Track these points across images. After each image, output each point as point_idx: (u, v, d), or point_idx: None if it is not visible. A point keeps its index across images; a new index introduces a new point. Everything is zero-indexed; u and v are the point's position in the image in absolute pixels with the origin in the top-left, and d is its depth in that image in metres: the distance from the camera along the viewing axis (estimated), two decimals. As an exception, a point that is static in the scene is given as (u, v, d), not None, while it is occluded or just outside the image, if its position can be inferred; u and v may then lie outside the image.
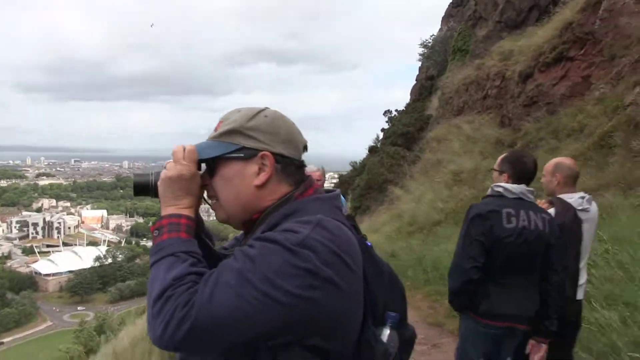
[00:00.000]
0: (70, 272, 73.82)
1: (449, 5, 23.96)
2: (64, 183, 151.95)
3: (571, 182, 3.22)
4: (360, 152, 25.32)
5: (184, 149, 1.21)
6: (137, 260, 75.99)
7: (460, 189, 10.46)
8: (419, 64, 25.80)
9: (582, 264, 3.20)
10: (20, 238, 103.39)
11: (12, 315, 57.96)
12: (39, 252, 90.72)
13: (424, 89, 23.14)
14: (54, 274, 75.39)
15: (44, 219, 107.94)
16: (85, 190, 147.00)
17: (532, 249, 2.75)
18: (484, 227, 2.75)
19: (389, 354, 1.14)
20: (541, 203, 3.15)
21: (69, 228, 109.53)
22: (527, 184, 2.90)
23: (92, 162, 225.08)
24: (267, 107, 1.25)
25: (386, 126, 23.23)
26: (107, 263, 75.08)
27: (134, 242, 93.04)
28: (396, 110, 24.27)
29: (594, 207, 3.26)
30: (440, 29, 24.06)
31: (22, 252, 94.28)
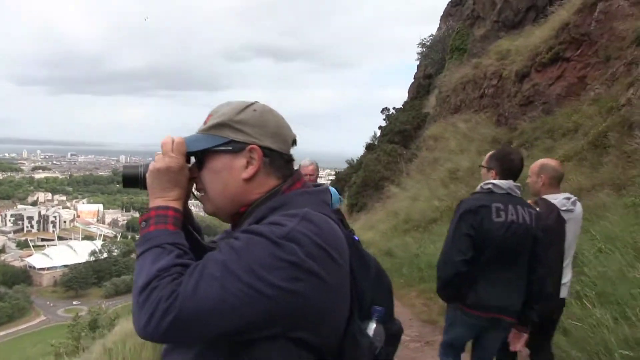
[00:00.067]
0: (65, 266, 73.60)
1: (447, 4, 23.96)
2: (60, 177, 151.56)
3: (556, 183, 3.31)
4: (358, 150, 25.36)
5: (173, 141, 1.21)
6: (133, 255, 75.46)
7: (457, 187, 10.47)
8: (418, 62, 25.84)
9: (566, 263, 3.29)
10: (15, 231, 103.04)
11: (6, 310, 57.67)
12: (33, 246, 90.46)
13: (421, 87, 23.15)
14: (48, 268, 75.16)
15: (40, 213, 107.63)
16: (82, 184, 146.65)
17: (520, 242, 2.86)
18: (474, 221, 2.85)
19: (375, 348, 1.14)
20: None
21: (65, 222, 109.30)
22: (514, 180, 3.00)
23: (89, 156, 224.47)
24: (256, 101, 1.25)
25: (384, 124, 23.25)
26: (102, 257, 74.87)
27: (129, 237, 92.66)
28: (394, 108, 24.29)
29: (578, 208, 3.35)
30: (439, 28, 24.07)
31: (17, 246, 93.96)
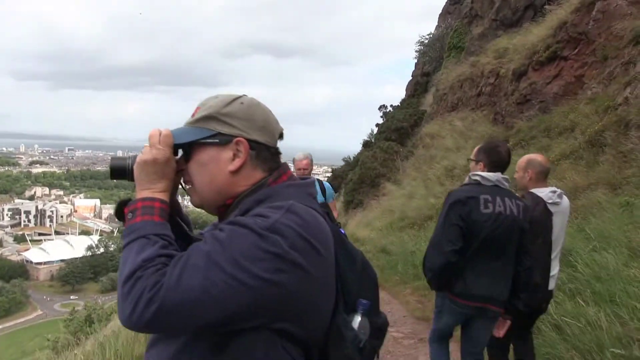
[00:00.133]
0: (61, 261, 73.54)
1: (446, 3, 23.99)
2: (58, 171, 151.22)
3: (542, 177, 3.38)
4: (355, 147, 25.40)
5: (160, 134, 1.22)
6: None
7: (453, 185, 10.49)
8: (416, 60, 25.86)
9: (554, 255, 3.35)
10: (12, 226, 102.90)
11: (2, 304, 57.62)
12: (30, 240, 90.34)
13: (419, 85, 23.17)
14: (45, 263, 75.08)
15: (37, 207, 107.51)
16: (79, 179, 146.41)
17: (507, 233, 2.92)
18: (462, 212, 2.91)
19: (359, 340, 1.15)
20: None
21: (62, 217, 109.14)
22: (502, 172, 3.06)
23: (86, 151, 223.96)
24: (244, 95, 1.26)
25: (381, 121, 23.26)
26: (99, 252, 74.82)
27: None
28: (391, 106, 24.30)
29: (565, 201, 3.42)
30: (438, 26, 24.08)
31: (14, 240, 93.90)
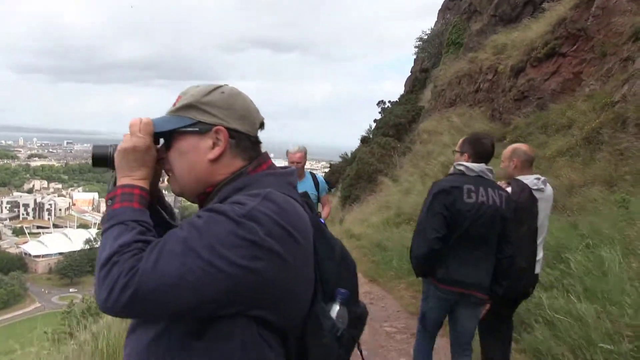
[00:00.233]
0: (60, 254, 73.58)
1: (446, -2, 23.91)
2: (56, 165, 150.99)
3: (527, 165, 3.48)
4: (354, 143, 25.39)
5: (141, 122, 1.22)
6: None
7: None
8: (415, 56, 25.82)
9: (539, 241, 3.44)
10: (11, 219, 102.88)
11: (1, 296, 57.75)
12: (29, 233, 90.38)
13: (417, 81, 23.14)
14: (43, 256, 75.16)
15: (35, 200, 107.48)
16: (77, 173, 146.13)
17: (489, 222, 3.01)
18: (446, 201, 3.01)
19: (337, 329, 1.15)
20: (500, 184, 3.42)
21: (60, 210, 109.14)
22: (486, 163, 3.15)
23: (85, 145, 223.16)
24: (225, 84, 1.27)
25: (379, 117, 23.24)
26: (97, 246, 74.11)
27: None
28: (389, 102, 24.28)
29: (548, 188, 3.52)
30: (437, 22, 24.03)
31: (12, 233, 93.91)
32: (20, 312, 58.38)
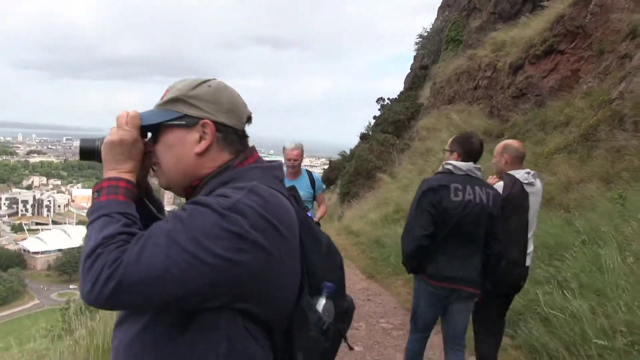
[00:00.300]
0: (59, 250, 73.52)
1: (446, -5, 23.84)
2: (55, 161, 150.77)
3: (518, 161, 3.56)
4: (354, 140, 25.36)
5: (127, 115, 1.23)
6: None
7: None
8: (415, 53, 25.80)
9: (530, 235, 3.51)
10: (10, 215, 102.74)
11: (0, 293, 57.75)
12: (28, 230, 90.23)
13: (417, 78, 23.11)
14: (42, 252, 75.09)
15: (34, 197, 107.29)
16: (76, 169, 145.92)
17: (475, 220, 3.08)
18: (434, 199, 3.08)
19: (323, 323, 1.15)
20: (492, 178, 3.57)
21: (59, 206, 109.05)
22: (475, 162, 3.21)
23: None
24: (213, 78, 1.27)
25: (379, 114, 23.21)
26: (96, 243, 74.58)
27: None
28: (388, 99, 24.26)
29: (538, 182, 3.60)
30: (437, 19, 24.00)
31: (11, 229, 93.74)
32: (19, 308, 58.31)
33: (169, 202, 69.89)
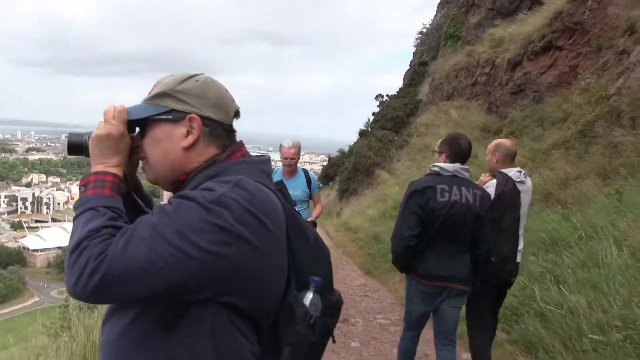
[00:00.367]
0: (58, 248, 73.48)
1: (445, -9, 23.79)
2: (54, 158, 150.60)
3: (509, 160, 3.63)
4: (353, 137, 25.34)
5: (115, 109, 1.23)
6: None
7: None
8: (415, 49, 25.77)
9: (521, 232, 3.58)
10: (9, 212, 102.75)
11: (0, 290, 57.81)
12: (27, 227, 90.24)
13: (416, 74, 23.08)
14: (42, 250, 75.13)
15: (33, 194, 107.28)
16: (76, 166, 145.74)
17: (461, 220, 3.15)
18: (421, 200, 3.16)
19: (310, 317, 1.16)
20: (485, 176, 3.66)
21: (58, 204, 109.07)
22: (462, 163, 3.29)
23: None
24: (201, 73, 1.27)
25: (378, 111, 23.20)
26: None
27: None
28: (387, 95, 24.24)
29: (529, 181, 3.68)
30: (436, 15, 23.97)
31: (11, 227, 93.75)
32: (19, 306, 58.32)
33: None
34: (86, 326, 4.42)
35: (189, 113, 1.19)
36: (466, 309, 3.65)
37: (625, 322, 3.62)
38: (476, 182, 3.77)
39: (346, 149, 24.37)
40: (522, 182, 3.54)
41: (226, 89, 1.27)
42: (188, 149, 1.20)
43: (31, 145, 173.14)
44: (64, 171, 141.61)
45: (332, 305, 1.26)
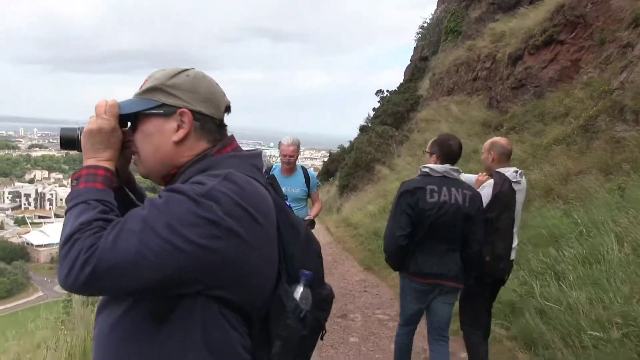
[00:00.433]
0: (61, 243, 73.80)
1: (446, -14, 23.67)
2: (57, 155, 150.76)
3: (505, 158, 3.66)
4: (353, 132, 25.30)
5: (106, 104, 1.23)
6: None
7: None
8: (415, 45, 25.69)
9: (515, 230, 3.62)
10: (13, 209, 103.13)
11: (4, 285, 58.15)
12: (30, 223, 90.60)
13: (417, 69, 23.01)
14: (45, 245, 75.39)
15: (37, 190, 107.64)
16: (78, 163, 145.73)
17: (451, 219, 3.22)
18: (411, 201, 3.23)
19: (300, 310, 1.16)
20: (482, 175, 3.73)
21: (61, 200, 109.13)
22: (453, 164, 3.34)
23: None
24: (192, 68, 1.28)
25: (378, 106, 23.14)
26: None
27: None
28: (388, 91, 24.18)
29: (524, 180, 3.74)
30: (437, 9, 23.87)
31: (14, 223, 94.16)
32: (23, 300, 58.64)
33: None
34: (87, 320, 4.43)
35: (180, 107, 1.20)
36: (460, 306, 3.70)
37: (626, 319, 3.61)
38: (476, 177, 3.80)
39: (347, 144, 24.37)
40: (517, 182, 3.57)
41: (217, 84, 1.28)
42: (179, 143, 1.20)
43: (34, 142, 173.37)
44: (67, 167, 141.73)
45: (323, 299, 1.26)
